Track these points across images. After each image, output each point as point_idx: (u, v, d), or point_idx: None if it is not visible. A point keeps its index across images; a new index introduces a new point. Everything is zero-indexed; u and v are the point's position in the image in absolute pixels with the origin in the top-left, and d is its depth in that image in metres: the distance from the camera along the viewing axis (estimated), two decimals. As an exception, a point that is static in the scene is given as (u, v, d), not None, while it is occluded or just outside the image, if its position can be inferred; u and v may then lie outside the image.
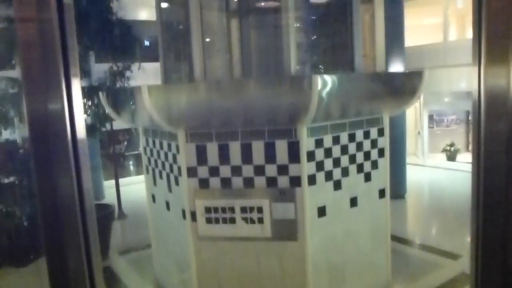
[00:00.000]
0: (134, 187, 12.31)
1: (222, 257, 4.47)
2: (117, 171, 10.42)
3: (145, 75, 8.23)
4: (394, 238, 5.76)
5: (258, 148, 4.17)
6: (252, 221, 4.30)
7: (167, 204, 4.96)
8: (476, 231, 1.27)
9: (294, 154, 4.11)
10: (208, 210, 4.38)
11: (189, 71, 4.81)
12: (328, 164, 4.32)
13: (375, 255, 4.93)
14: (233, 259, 4.45)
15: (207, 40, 4.91)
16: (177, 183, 4.60)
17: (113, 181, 10.39)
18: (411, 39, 12.06)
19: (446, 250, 6.14)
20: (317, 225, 4.32)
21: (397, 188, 9.43)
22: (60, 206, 1.22)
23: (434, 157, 14.97)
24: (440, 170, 12.72)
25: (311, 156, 4.16)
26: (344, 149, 4.44)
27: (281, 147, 4.13)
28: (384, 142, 4.79)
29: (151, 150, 5.12)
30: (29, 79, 1.16)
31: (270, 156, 4.16)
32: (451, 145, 14.14)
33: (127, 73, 6.91)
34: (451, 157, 13.99)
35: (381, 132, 4.75)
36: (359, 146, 4.56)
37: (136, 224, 8.93)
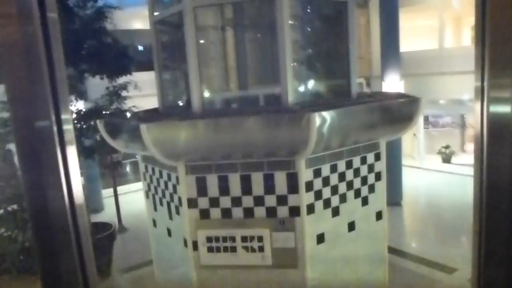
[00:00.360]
0: (132, 196, 12.37)
1: (224, 285, 4.55)
2: (115, 181, 10.45)
3: (141, 85, 8.28)
4: (391, 250, 5.87)
5: (257, 180, 4.24)
6: (253, 250, 4.38)
7: (169, 230, 5.03)
8: (478, 244, 1.27)
9: (293, 185, 4.19)
10: (209, 239, 4.45)
11: (186, 95, 4.88)
12: (326, 192, 4.40)
13: (373, 276, 5.02)
14: (235, 287, 4.53)
15: (204, 55, 4.94)
16: (177, 212, 4.66)
17: (111, 189, 10.42)
18: (406, 43, 12.14)
19: (441, 263, 6.26)
20: (316, 252, 4.40)
21: (393, 195, 9.54)
22: (52, 225, 1.18)
23: (429, 159, 15.10)
24: (435, 173, 12.86)
25: (309, 186, 4.24)
26: (342, 176, 4.52)
27: (280, 178, 4.20)
28: (381, 166, 4.87)
29: (151, 177, 5.18)
30: (14, 96, 1.13)
31: (269, 187, 4.23)
32: (446, 147, 14.28)
33: (124, 93, 6.95)
34: (447, 159, 14.13)
35: (377, 157, 4.83)
36: (356, 172, 4.64)
37: (137, 238, 9.00)
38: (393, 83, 9.81)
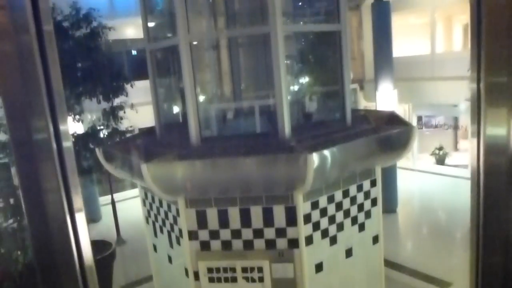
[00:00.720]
0: (129, 203, 12.39)
1: (226, 314, 4.65)
2: (112, 189, 10.49)
3: (135, 93, 8.28)
4: (386, 262, 5.99)
5: (256, 213, 4.33)
6: (253, 280, 4.47)
7: (169, 257, 5.11)
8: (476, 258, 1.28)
9: (291, 218, 4.28)
10: (210, 270, 4.54)
11: (182, 116, 4.92)
12: (324, 222, 4.50)
13: (371, 298, 5.15)
14: (236, 316, 4.63)
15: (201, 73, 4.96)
16: (178, 242, 4.74)
17: (108, 196, 10.43)
18: (398, 45, 12.21)
19: (436, 277, 6.41)
20: (315, 281, 4.51)
21: (388, 202, 9.67)
22: (54, 246, 1.18)
23: (423, 159, 15.27)
24: (429, 175, 13.03)
25: (307, 218, 4.33)
26: (339, 206, 4.61)
27: (279, 212, 4.29)
28: (377, 191, 4.97)
29: (151, 205, 5.25)
30: (11, 110, 1.12)
31: (268, 220, 4.32)
32: (440, 148, 14.45)
33: (121, 113, 6.98)
34: (440, 160, 14.31)
35: (373, 183, 4.93)
36: (353, 200, 4.74)
37: (136, 251, 9.06)
38: (386, 92, 9.90)
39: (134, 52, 16.52)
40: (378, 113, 6.14)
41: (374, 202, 4.98)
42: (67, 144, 1.16)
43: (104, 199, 12.31)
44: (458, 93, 9.86)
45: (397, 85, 10.73)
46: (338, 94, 5.00)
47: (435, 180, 12.75)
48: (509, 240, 1.22)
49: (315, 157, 3.72)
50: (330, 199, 4.52)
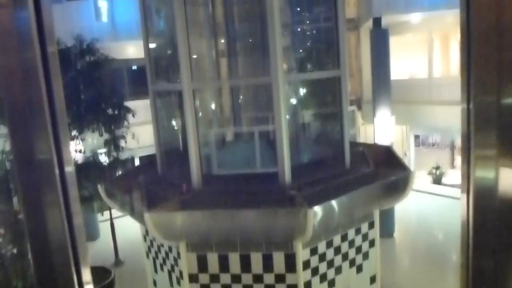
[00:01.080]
0: (127, 220, 12.41)
1: None
2: (111, 209, 10.51)
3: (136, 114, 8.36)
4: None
5: (256, 259, 4.39)
6: (253, 323, 4.53)
7: (169, 295, 5.17)
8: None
9: (290, 264, 4.35)
10: (210, 312, 4.60)
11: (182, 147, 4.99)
12: (323, 267, 4.57)
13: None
14: None
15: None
16: (178, 283, 4.80)
17: (106, 211, 10.42)
18: (396, 67, 12.33)
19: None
20: (313, 324, 4.57)
21: (385, 227, 9.73)
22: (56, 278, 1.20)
23: (420, 176, 15.37)
24: (426, 196, 13.10)
25: (306, 264, 4.40)
26: (338, 250, 4.69)
27: (278, 258, 4.36)
28: (375, 233, 5.05)
29: (151, 241, 5.31)
30: (15, 130, 1.15)
31: (268, 266, 4.39)
32: (437, 167, 14.55)
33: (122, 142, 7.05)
34: (437, 180, 14.40)
35: (371, 225, 5.01)
36: (351, 243, 4.82)
37: (134, 273, 9.05)
38: (384, 118, 10.01)
39: (134, 67, 16.59)
40: (375, 149, 6.23)
41: (372, 243, 5.06)
42: (69, 169, 1.19)
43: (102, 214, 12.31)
44: (455, 117, 9.95)
45: (395, 107, 10.84)
46: (338, 137, 5.10)
47: (432, 201, 12.82)
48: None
49: (315, 211, 3.80)
50: (329, 244, 4.60)
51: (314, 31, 5.26)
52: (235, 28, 4.91)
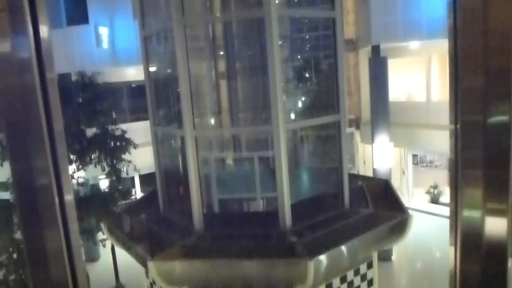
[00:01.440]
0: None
1: None
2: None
3: (136, 134, 8.47)
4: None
5: (257, 303, 4.47)
6: None
7: (171, 334, 5.23)
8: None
9: (291, 308, 4.43)
10: None
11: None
12: (322, 310, 4.65)
13: None
14: None
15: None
16: (180, 323, 4.87)
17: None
18: (394, 88, 12.47)
19: None
20: None
21: (383, 250, 9.82)
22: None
23: (417, 194, 15.48)
24: (424, 216, 13.19)
25: (306, 308, 4.48)
26: (337, 292, 4.77)
27: (279, 303, 4.44)
28: (373, 273, 5.14)
29: (154, 280, 5.38)
30: (15, 157, 1.16)
31: (269, 310, 4.46)
32: (435, 187, 14.66)
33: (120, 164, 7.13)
34: (435, 199, 14.51)
35: (370, 265, 5.10)
36: (350, 285, 4.90)
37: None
38: (382, 144, 10.13)
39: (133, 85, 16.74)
40: (373, 184, 6.32)
41: (370, 283, 5.14)
42: (68, 194, 1.21)
43: (101, 235, 12.37)
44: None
45: (393, 130, 10.97)
46: (337, 177, 5.21)
47: (430, 221, 12.92)
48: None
49: (315, 262, 3.89)
50: (328, 287, 4.68)
51: (314, 78, 5.42)
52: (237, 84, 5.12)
